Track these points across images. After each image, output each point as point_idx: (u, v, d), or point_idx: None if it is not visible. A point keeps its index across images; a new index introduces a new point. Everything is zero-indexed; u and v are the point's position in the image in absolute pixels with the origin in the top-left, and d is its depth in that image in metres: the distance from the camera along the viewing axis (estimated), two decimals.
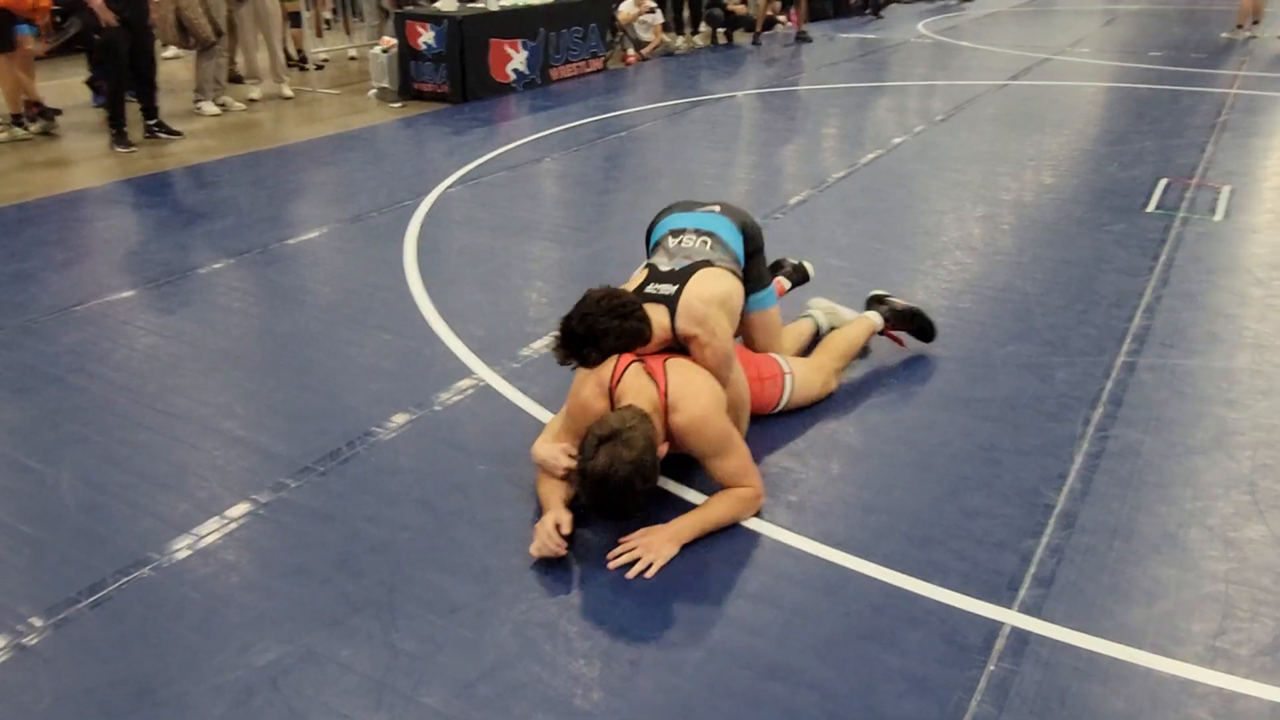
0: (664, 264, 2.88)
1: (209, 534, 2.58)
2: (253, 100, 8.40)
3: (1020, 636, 2.22)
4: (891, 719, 1.99)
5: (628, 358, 2.62)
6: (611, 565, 2.42)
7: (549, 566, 2.44)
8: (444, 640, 2.20)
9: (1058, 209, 5.29)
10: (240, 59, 8.80)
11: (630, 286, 2.84)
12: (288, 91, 8.63)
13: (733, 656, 2.16)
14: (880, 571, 2.43)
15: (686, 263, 2.86)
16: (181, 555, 2.50)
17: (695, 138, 7.04)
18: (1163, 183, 5.71)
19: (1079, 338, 3.72)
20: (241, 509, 2.69)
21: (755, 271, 3.12)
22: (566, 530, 2.44)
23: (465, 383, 3.40)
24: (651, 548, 2.44)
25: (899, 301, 3.65)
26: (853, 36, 12.31)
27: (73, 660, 2.15)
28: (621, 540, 2.48)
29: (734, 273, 2.94)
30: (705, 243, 2.95)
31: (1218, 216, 5.14)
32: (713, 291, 2.76)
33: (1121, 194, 5.52)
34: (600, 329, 2.58)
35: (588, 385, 2.63)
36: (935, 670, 2.12)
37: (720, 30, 11.52)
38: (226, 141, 7.04)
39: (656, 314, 2.68)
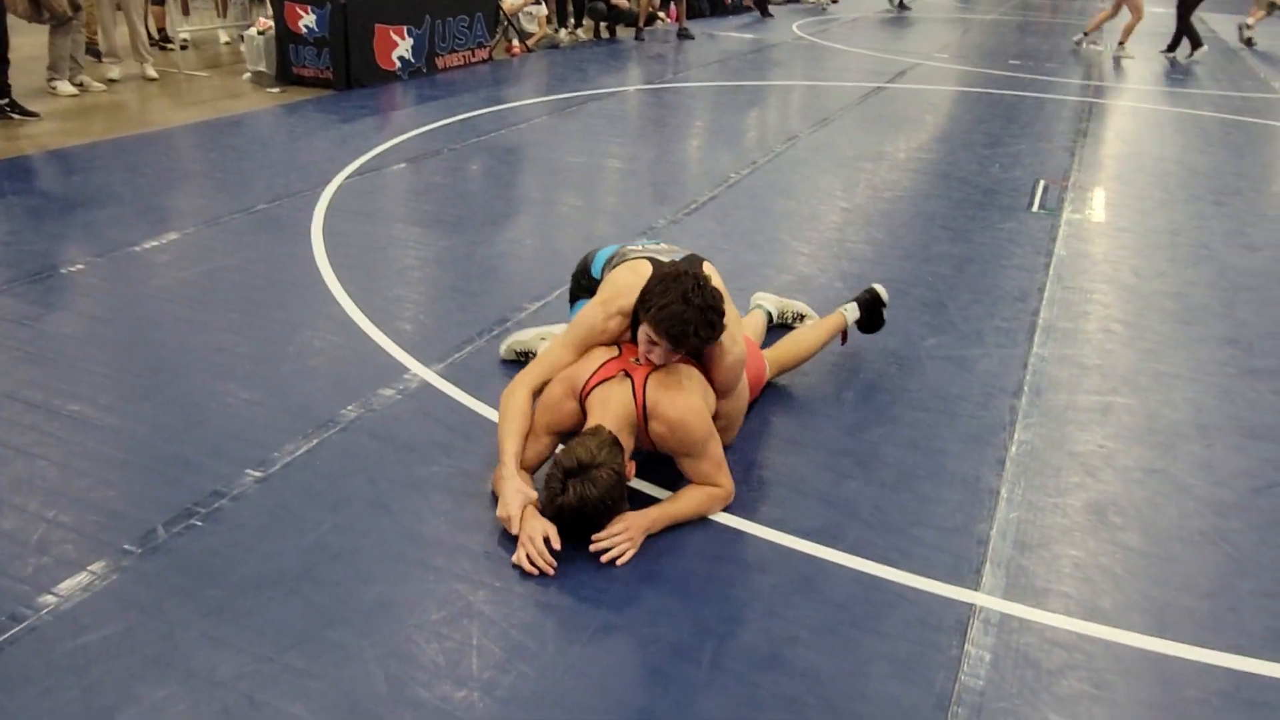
0: (662, 255, 2.86)
1: (144, 550, 2.39)
2: (112, 80, 7.85)
3: (989, 616, 2.32)
4: (885, 702, 2.05)
5: (614, 366, 2.59)
6: (594, 548, 2.40)
7: (524, 571, 2.38)
8: (426, 647, 2.12)
9: (952, 207, 5.53)
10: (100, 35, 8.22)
11: (636, 268, 2.76)
12: (151, 72, 8.11)
13: (725, 649, 2.16)
14: (848, 559, 2.49)
15: (683, 253, 2.86)
16: (115, 576, 2.30)
17: (595, 132, 7.01)
18: (1042, 184, 6.06)
19: (992, 330, 3.90)
20: (177, 522, 2.50)
21: None
22: (556, 545, 2.37)
23: (399, 381, 3.28)
24: (634, 540, 2.43)
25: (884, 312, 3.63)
26: (732, 35, 12.53)
27: (15, 689, 1.96)
28: (614, 529, 2.45)
29: None
30: (673, 249, 2.97)
31: (1094, 217, 5.49)
32: (726, 294, 2.72)
33: (1006, 194, 5.82)
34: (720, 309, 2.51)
35: (559, 384, 2.59)
36: (917, 652, 2.19)
37: (603, 24, 11.51)
38: (89, 124, 6.56)
39: None
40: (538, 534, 2.38)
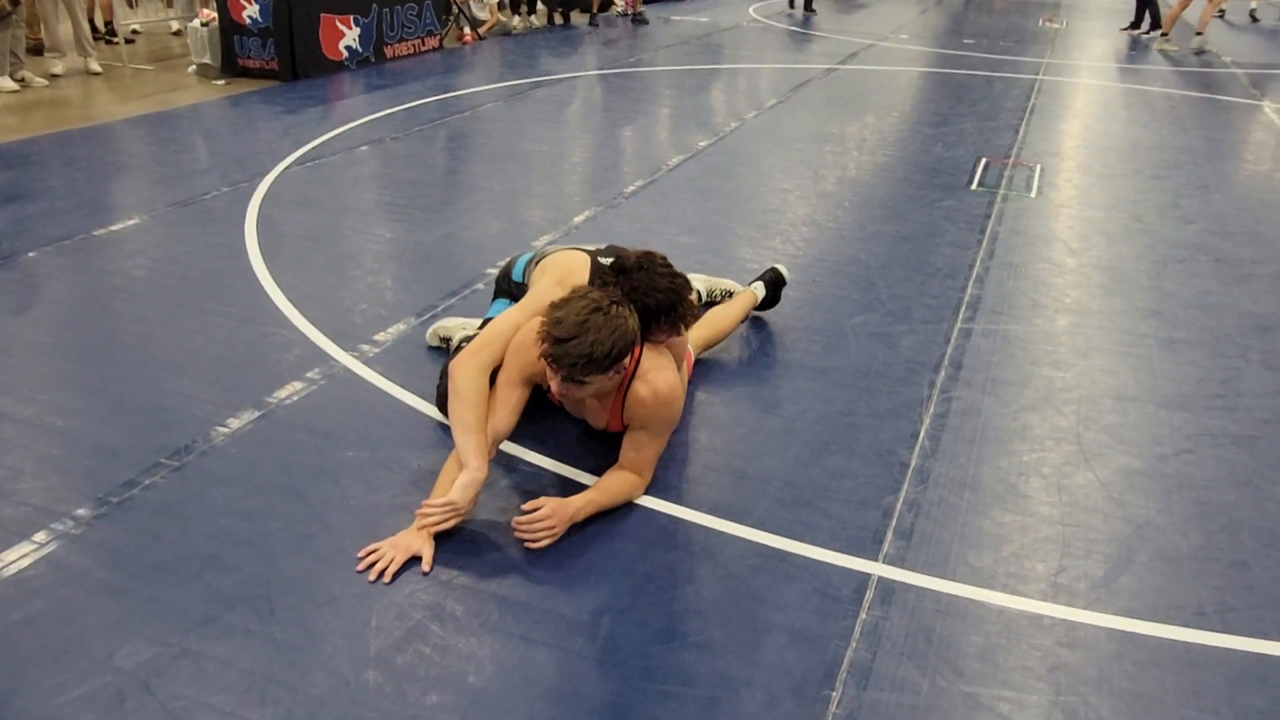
0: (585, 247, 2.96)
1: (52, 539, 2.40)
2: (56, 75, 7.76)
3: (887, 586, 2.36)
4: (776, 671, 2.09)
5: None
6: (518, 535, 2.38)
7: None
8: (327, 630, 2.14)
9: (892, 186, 5.58)
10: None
11: (571, 254, 2.91)
12: (95, 66, 8.03)
13: (621, 624, 2.20)
14: (754, 534, 2.53)
15: (603, 245, 2.97)
16: (22, 563, 2.32)
17: (541, 118, 7.00)
18: (983, 162, 6.12)
19: (919, 307, 3.95)
20: (87, 511, 2.51)
21: None
22: (426, 568, 2.32)
23: (322, 368, 3.29)
24: (556, 530, 2.41)
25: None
26: (687, 19, 12.52)
27: None
28: (527, 506, 2.43)
29: None
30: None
31: (1032, 193, 5.55)
32: None
33: (947, 172, 5.88)
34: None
35: (533, 328, 2.53)
36: (813, 622, 2.23)
37: (557, 10, 11.47)
38: (29, 120, 6.49)
39: None
40: (407, 555, 2.33)
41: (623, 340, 2.35)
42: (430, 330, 3.44)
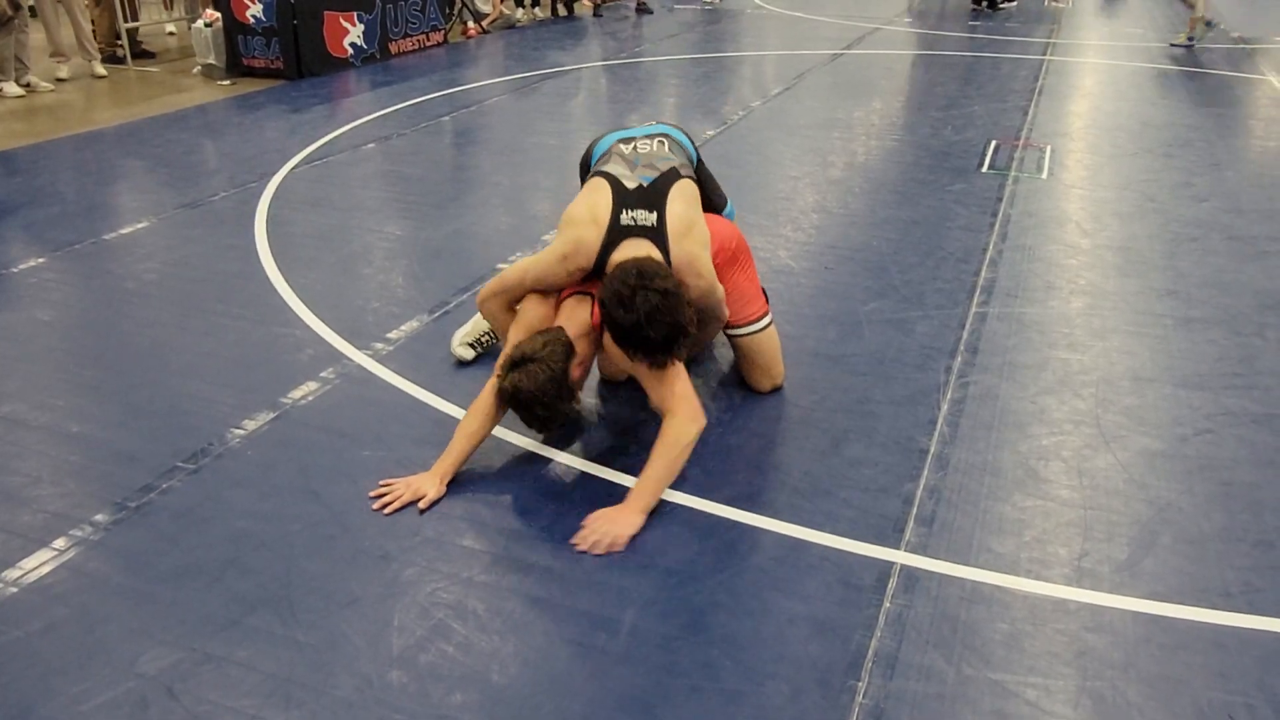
0: (628, 179, 2.74)
1: (72, 546, 2.40)
2: (61, 80, 7.77)
3: (909, 574, 2.35)
4: (801, 663, 2.07)
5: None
6: (580, 548, 2.40)
7: (448, 548, 2.40)
8: (349, 630, 2.14)
9: (902, 171, 5.54)
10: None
11: (594, 209, 2.71)
12: (100, 70, 8.04)
13: (645, 620, 2.19)
14: (775, 524, 2.51)
15: (653, 174, 2.77)
16: (43, 570, 2.32)
17: (548, 111, 6.98)
18: (993, 144, 6.08)
19: (933, 292, 3.92)
20: (106, 516, 2.51)
21: (707, 187, 3.15)
22: (423, 507, 2.56)
23: (336, 368, 3.28)
24: (617, 523, 2.41)
25: None
26: (691, 7, 12.46)
27: None
28: (584, 522, 2.45)
29: (694, 180, 2.90)
30: (661, 144, 2.93)
31: (1043, 174, 5.51)
32: (695, 231, 2.76)
33: (957, 156, 5.83)
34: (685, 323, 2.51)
35: (535, 309, 2.79)
36: (836, 612, 2.22)
37: (561, 2, 11.42)
38: (35, 125, 6.50)
39: (644, 248, 2.65)
40: (414, 497, 2.57)
41: (551, 381, 2.53)
42: (456, 347, 3.32)
